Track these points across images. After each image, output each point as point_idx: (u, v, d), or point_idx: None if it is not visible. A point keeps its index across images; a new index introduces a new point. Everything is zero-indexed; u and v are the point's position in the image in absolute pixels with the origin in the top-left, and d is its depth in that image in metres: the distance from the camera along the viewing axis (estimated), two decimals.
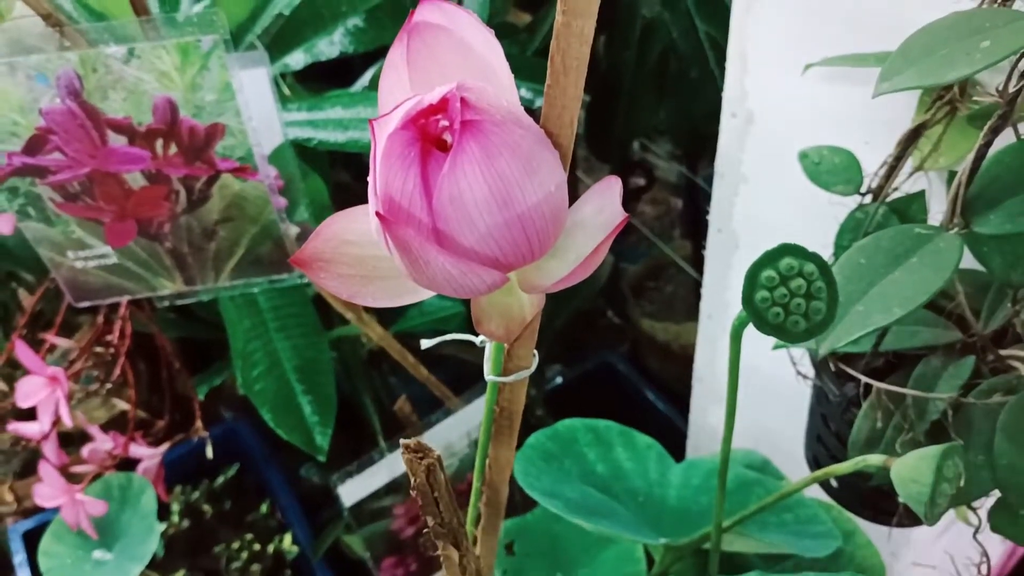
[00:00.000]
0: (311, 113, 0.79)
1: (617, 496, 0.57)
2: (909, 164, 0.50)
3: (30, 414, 0.77)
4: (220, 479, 1.07)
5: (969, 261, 0.42)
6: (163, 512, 0.99)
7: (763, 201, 0.69)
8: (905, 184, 0.51)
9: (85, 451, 0.82)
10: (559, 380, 1.17)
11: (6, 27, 0.61)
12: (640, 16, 1.01)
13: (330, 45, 0.83)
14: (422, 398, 0.95)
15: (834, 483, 0.58)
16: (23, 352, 0.74)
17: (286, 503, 1.03)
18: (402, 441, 0.32)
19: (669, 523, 0.56)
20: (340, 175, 1.05)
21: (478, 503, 0.44)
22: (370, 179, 0.28)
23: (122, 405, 0.98)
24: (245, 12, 0.77)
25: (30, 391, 0.75)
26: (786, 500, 0.54)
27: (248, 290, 0.78)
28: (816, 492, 0.58)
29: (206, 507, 1.04)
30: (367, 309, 0.88)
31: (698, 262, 0.87)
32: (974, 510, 0.47)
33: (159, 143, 0.64)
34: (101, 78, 0.60)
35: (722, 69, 0.66)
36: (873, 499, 0.55)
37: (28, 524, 0.95)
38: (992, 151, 0.39)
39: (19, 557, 0.92)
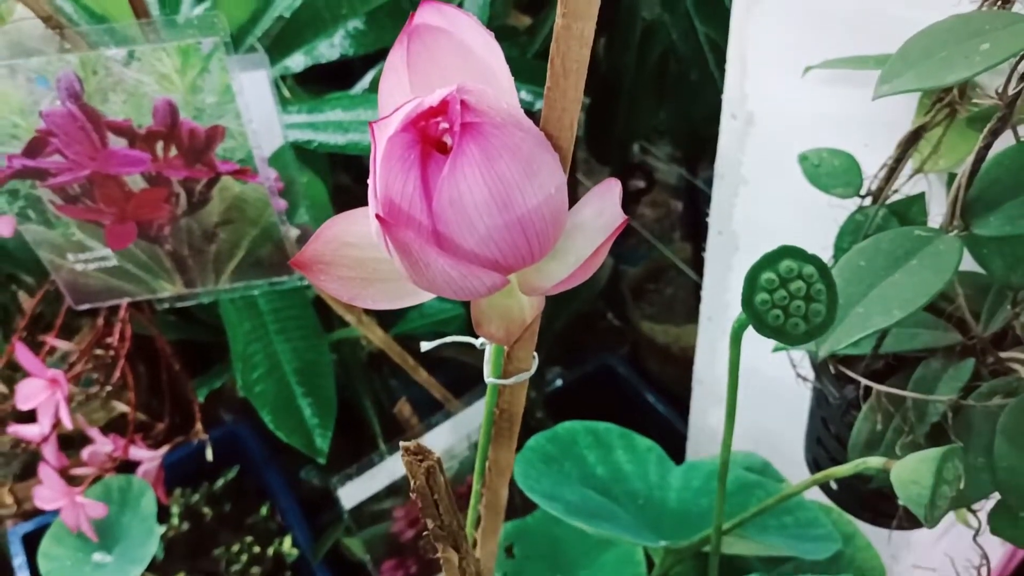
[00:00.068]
0: (311, 115, 0.79)
1: (617, 498, 0.57)
2: (909, 166, 0.50)
3: (30, 416, 0.77)
4: (220, 481, 1.07)
5: (969, 263, 0.42)
6: (163, 514, 0.99)
7: (763, 203, 0.69)
8: (905, 186, 0.51)
9: (85, 453, 0.82)
10: (559, 382, 1.17)
11: (6, 30, 0.61)
12: (640, 18, 1.01)
13: (330, 47, 0.84)
14: (422, 400, 0.95)
15: (834, 485, 0.57)
16: (23, 354, 0.74)
17: (286, 505, 1.03)
18: (402, 443, 0.32)
19: (669, 525, 0.56)
20: (340, 177, 1.05)
21: (478, 505, 0.44)
22: (370, 181, 0.28)
23: (122, 407, 0.98)
24: (245, 14, 0.78)
25: (30, 393, 0.75)
26: (786, 503, 0.54)
27: (248, 292, 0.78)
28: (816, 494, 0.58)
29: (206, 509, 1.04)
30: (367, 311, 0.88)
31: (698, 264, 0.87)
32: (974, 512, 0.47)
33: (159, 145, 0.64)
34: (101, 80, 0.60)
35: (722, 71, 0.66)
36: (873, 501, 0.55)
37: (28, 526, 0.95)
38: (992, 153, 0.39)
39: (19, 559, 0.92)
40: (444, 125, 0.26)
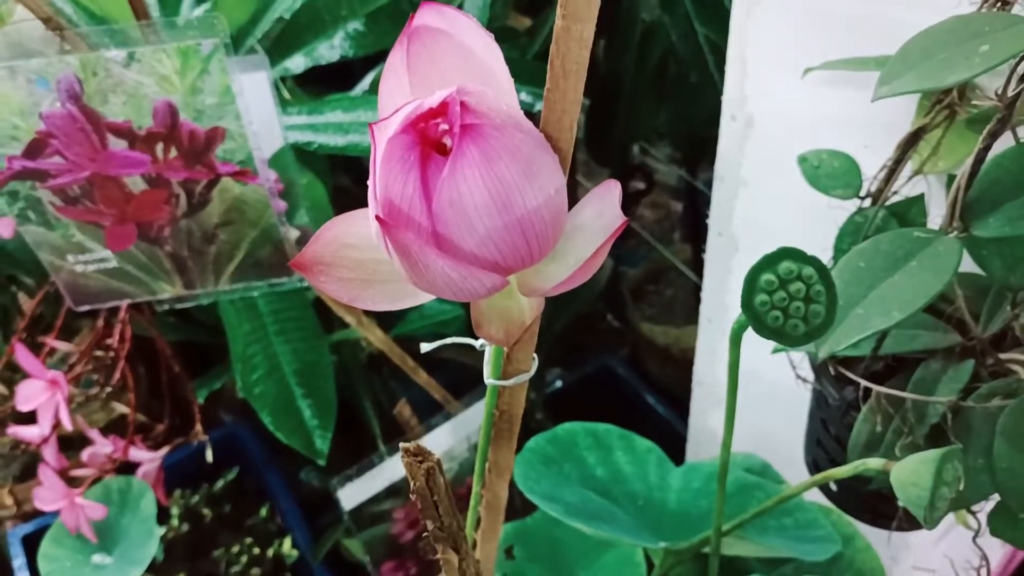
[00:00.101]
0: (311, 117, 0.79)
1: (617, 500, 0.57)
2: (908, 168, 0.50)
3: (30, 418, 0.77)
4: (220, 483, 1.07)
5: (968, 264, 0.42)
6: (163, 516, 0.99)
7: (763, 205, 0.69)
8: (904, 188, 0.51)
9: (85, 455, 0.82)
10: (559, 384, 1.17)
11: (7, 31, 0.61)
12: (640, 20, 1.01)
13: (330, 49, 0.84)
14: (422, 402, 0.95)
15: (834, 487, 0.58)
16: (23, 356, 0.74)
17: (286, 507, 1.03)
18: (402, 445, 0.32)
19: (669, 527, 0.56)
20: (340, 179, 1.05)
21: (478, 507, 0.44)
22: (370, 183, 0.28)
23: (122, 409, 0.98)
24: (245, 16, 0.78)
25: (30, 395, 0.75)
26: (786, 504, 0.54)
27: (248, 294, 0.78)
28: (816, 496, 0.58)
29: (206, 511, 1.04)
30: (367, 313, 0.88)
31: (698, 266, 0.87)
32: (973, 514, 0.47)
33: (159, 147, 0.64)
34: (101, 82, 0.60)
35: (722, 73, 0.66)
36: (873, 503, 0.55)
37: (28, 528, 0.95)
38: (991, 155, 0.39)
39: (19, 561, 0.92)
40: (444, 127, 0.26)
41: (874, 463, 0.41)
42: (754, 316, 0.31)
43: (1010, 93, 0.37)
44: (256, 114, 0.65)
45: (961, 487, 0.38)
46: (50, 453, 0.77)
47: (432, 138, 0.26)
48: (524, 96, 0.83)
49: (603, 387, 1.21)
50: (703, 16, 0.94)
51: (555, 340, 1.17)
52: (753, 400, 0.72)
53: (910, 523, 0.54)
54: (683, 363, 0.94)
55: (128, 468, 0.84)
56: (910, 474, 0.38)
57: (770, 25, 0.60)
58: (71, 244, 0.69)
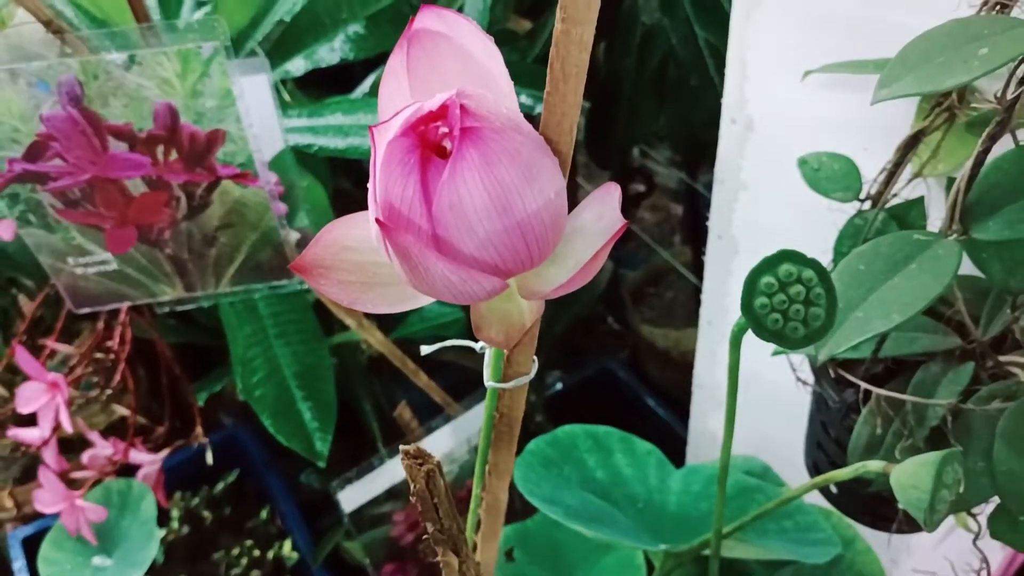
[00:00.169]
0: (311, 119, 0.79)
1: (617, 502, 0.57)
2: (908, 170, 0.51)
3: (30, 420, 0.77)
4: (220, 485, 1.07)
5: (968, 267, 0.42)
6: (163, 518, 0.99)
7: (763, 207, 0.69)
8: (904, 190, 0.51)
9: (85, 457, 0.82)
10: (559, 386, 1.17)
11: (7, 34, 0.61)
12: (640, 23, 1.01)
13: (331, 52, 0.84)
14: (422, 404, 0.95)
15: (834, 489, 0.57)
16: (23, 358, 0.74)
17: (286, 509, 1.03)
18: (402, 447, 0.32)
19: (669, 529, 0.56)
20: (340, 181, 1.05)
21: (478, 509, 0.44)
22: (370, 185, 0.28)
23: (122, 411, 0.98)
24: (246, 19, 0.78)
25: (30, 397, 0.75)
26: (786, 506, 0.53)
27: (248, 296, 0.78)
28: (816, 498, 0.58)
29: (206, 513, 1.04)
30: (367, 315, 0.88)
31: (698, 268, 0.87)
32: (974, 516, 0.47)
33: (160, 149, 0.64)
34: (102, 85, 0.61)
35: (722, 76, 0.66)
36: (873, 505, 0.55)
37: (28, 530, 0.95)
38: (991, 157, 0.39)
39: (19, 563, 0.92)
40: (444, 130, 0.26)
41: (874, 466, 0.41)
42: (754, 319, 0.31)
43: (1009, 96, 0.37)
44: (256, 117, 0.65)
45: (961, 490, 0.38)
46: (50, 455, 0.77)
47: (432, 141, 0.27)
48: (524, 99, 0.83)
49: (603, 389, 1.21)
50: (703, 19, 0.94)
51: (555, 342, 1.17)
52: (753, 403, 0.72)
53: (910, 525, 0.54)
54: (683, 365, 0.94)
55: (128, 470, 0.84)
56: (910, 477, 0.38)
57: (770, 28, 0.60)
58: (71, 247, 0.69)
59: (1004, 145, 0.39)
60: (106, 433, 0.85)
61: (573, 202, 0.29)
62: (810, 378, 0.56)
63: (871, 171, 0.51)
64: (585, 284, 0.28)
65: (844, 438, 0.51)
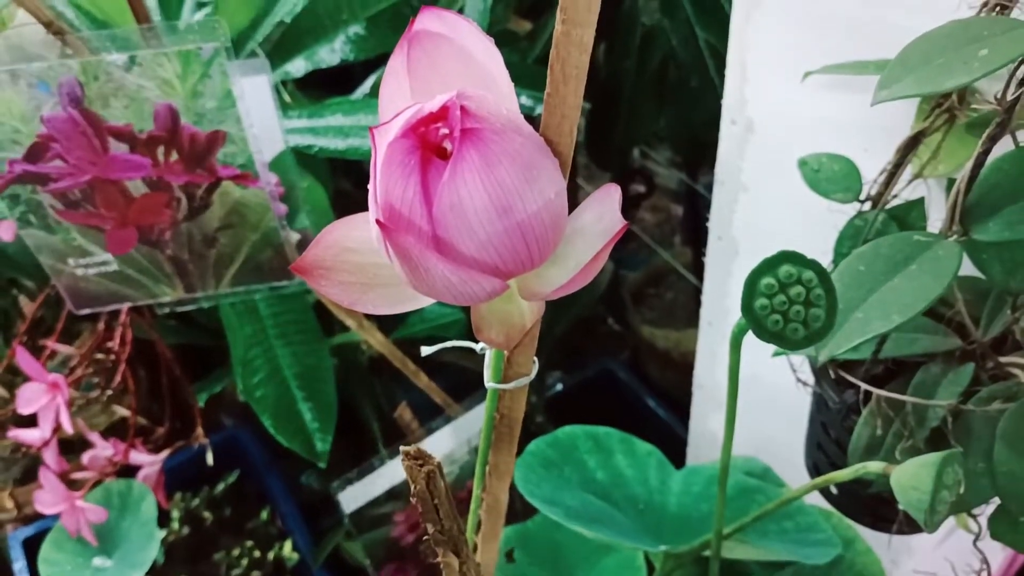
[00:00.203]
0: (312, 120, 0.80)
1: (617, 503, 0.57)
2: (908, 171, 0.51)
3: (31, 421, 0.77)
4: (220, 486, 1.07)
5: (968, 268, 0.42)
6: (163, 519, 0.99)
7: (763, 208, 0.69)
8: (904, 191, 0.51)
9: (85, 458, 0.82)
10: (559, 387, 1.17)
11: (8, 35, 0.62)
12: (640, 24, 1.01)
13: (331, 53, 0.84)
14: (422, 405, 0.95)
15: (834, 490, 0.57)
16: (24, 359, 0.75)
17: (286, 510, 1.03)
18: (402, 448, 0.32)
19: (669, 530, 0.56)
20: (341, 182, 1.05)
21: (478, 510, 0.44)
22: (370, 186, 0.28)
23: (122, 412, 0.98)
24: (246, 20, 0.78)
25: (31, 398, 0.75)
26: (786, 507, 0.54)
27: (249, 297, 0.78)
28: (816, 499, 0.58)
29: (206, 514, 1.04)
30: (367, 316, 0.88)
31: (698, 269, 0.87)
32: (974, 517, 0.47)
33: (160, 150, 0.64)
34: (103, 86, 0.61)
35: (722, 77, 0.66)
36: (873, 506, 0.55)
37: (28, 531, 0.95)
38: (991, 158, 0.39)
39: (19, 564, 0.92)
40: (444, 131, 0.26)
41: (874, 466, 0.41)
42: (754, 320, 0.31)
43: (1009, 97, 0.37)
44: (257, 118, 0.65)
45: (961, 490, 0.38)
46: (51, 456, 0.77)
47: (432, 142, 0.27)
48: (524, 100, 0.83)
49: (603, 390, 1.21)
50: (703, 20, 0.94)
51: (555, 343, 1.17)
52: (753, 403, 0.72)
53: (911, 526, 0.54)
54: (683, 366, 0.94)
55: (129, 471, 0.84)
56: (910, 478, 0.38)
57: (770, 29, 0.60)
58: (72, 248, 0.69)
59: (1004, 146, 0.39)
60: (106, 434, 0.85)
61: (573, 203, 0.29)
62: (810, 379, 0.56)
63: (871, 172, 0.52)
64: (585, 285, 0.28)
65: (844, 439, 0.51)
